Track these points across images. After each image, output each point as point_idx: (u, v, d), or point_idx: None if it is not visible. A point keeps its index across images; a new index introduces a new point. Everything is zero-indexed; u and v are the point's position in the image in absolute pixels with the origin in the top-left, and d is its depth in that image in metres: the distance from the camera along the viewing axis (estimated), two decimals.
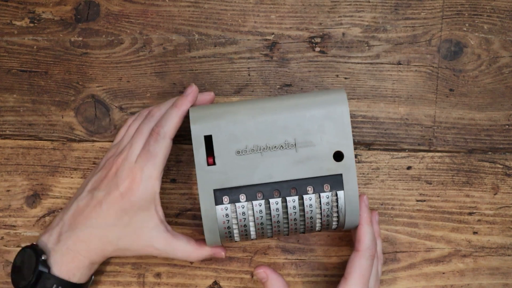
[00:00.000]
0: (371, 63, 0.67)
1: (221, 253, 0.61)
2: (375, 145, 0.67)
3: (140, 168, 0.57)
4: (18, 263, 0.59)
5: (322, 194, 0.57)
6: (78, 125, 0.67)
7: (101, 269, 0.65)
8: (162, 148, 0.58)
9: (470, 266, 0.66)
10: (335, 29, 0.67)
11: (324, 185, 0.57)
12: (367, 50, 0.67)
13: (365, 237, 0.58)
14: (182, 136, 0.67)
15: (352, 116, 0.67)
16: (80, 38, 0.67)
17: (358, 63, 0.67)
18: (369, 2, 0.67)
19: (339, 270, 0.66)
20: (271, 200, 0.57)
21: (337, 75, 0.67)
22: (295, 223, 0.58)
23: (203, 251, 0.61)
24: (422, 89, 0.67)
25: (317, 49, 0.67)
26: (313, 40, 0.67)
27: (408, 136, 0.67)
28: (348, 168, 0.57)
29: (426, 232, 0.66)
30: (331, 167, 0.57)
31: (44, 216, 0.67)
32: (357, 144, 0.67)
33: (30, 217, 0.67)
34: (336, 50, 0.67)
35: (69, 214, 0.59)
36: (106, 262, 0.65)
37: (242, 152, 0.57)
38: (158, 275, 0.66)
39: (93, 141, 0.67)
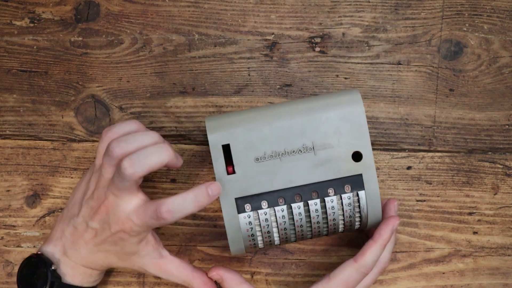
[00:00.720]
0: (371, 63, 0.67)
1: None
2: (375, 145, 0.67)
3: (133, 224, 0.55)
4: (26, 272, 0.59)
5: (343, 196, 0.57)
6: (78, 125, 0.67)
7: None
8: (158, 225, 0.55)
9: (470, 266, 0.66)
10: (335, 29, 0.67)
11: (345, 186, 0.57)
12: (367, 50, 0.67)
13: (369, 255, 0.57)
14: (182, 136, 0.67)
15: None
16: (80, 38, 0.67)
17: (358, 63, 0.67)
18: (369, 2, 0.67)
19: None
20: (293, 205, 0.57)
21: (337, 75, 0.67)
22: (318, 226, 0.58)
23: (196, 279, 0.60)
24: (422, 89, 0.67)
25: (317, 49, 0.67)
26: (313, 40, 0.67)
27: (408, 136, 0.67)
28: (367, 168, 0.57)
29: (426, 232, 0.66)
30: (351, 168, 0.57)
31: (44, 216, 0.67)
32: None
33: (30, 217, 0.67)
34: (336, 50, 0.67)
35: (69, 231, 0.59)
36: None
37: (261, 159, 0.57)
38: None
39: (93, 141, 0.67)
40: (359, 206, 0.58)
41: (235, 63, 0.67)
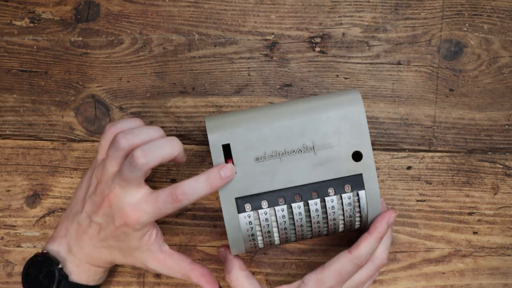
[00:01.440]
0: (371, 63, 0.67)
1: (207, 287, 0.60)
2: (375, 145, 0.67)
3: (142, 213, 0.56)
4: (32, 271, 0.59)
5: (343, 195, 0.57)
6: (78, 125, 0.67)
7: None
8: (172, 209, 0.56)
9: (470, 266, 0.66)
10: (335, 29, 0.67)
11: (345, 186, 0.57)
12: (367, 50, 0.67)
13: (364, 247, 0.57)
14: (182, 136, 0.67)
15: None
16: (80, 38, 0.67)
17: (358, 63, 0.67)
18: (369, 2, 0.67)
19: None
20: (293, 205, 0.57)
21: (337, 75, 0.67)
22: (318, 226, 0.58)
23: (194, 271, 0.60)
24: (422, 89, 0.67)
25: (317, 49, 0.67)
26: (313, 40, 0.67)
27: (408, 136, 0.67)
28: (367, 168, 0.57)
29: (426, 232, 0.66)
30: (351, 168, 0.57)
31: (44, 216, 0.67)
32: None
33: (30, 217, 0.67)
34: (336, 50, 0.67)
35: (73, 228, 0.59)
36: None
37: (261, 159, 0.57)
38: (158, 275, 0.66)
39: (93, 141, 0.67)
40: (359, 206, 0.58)
41: (235, 63, 0.67)
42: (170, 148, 0.56)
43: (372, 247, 0.57)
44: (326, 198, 0.57)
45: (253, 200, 0.57)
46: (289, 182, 0.57)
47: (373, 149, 0.66)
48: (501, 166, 0.67)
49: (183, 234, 0.66)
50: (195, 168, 0.66)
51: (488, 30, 0.67)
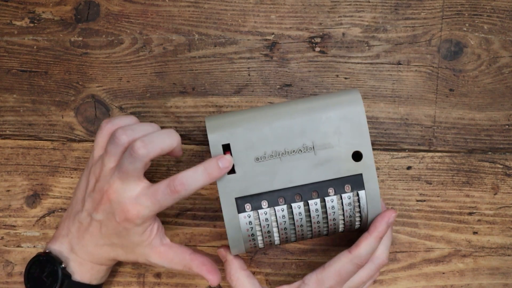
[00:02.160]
0: (371, 63, 0.67)
1: (214, 278, 0.60)
2: (375, 145, 0.67)
3: (142, 207, 0.56)
4: (34, 271, 0.59)
5: (343, 195, 0.57)
6: (78, 125, 0.67)
7: None
8: (171, 201, 0.56)
9: (470, 266, 0.66)
10: (335, 29, 0.67)
11: (345, 186, 0.57)
12: (367, 50, 0.67)
13: (364, 247, 0.57)
14: (182, 136, 0.67)
15: None
16: (80, 38, 0.67)
17: (358, 63, 0.67)
18: (369, 2, 0.67)
19: None
20: (293, 205, 0.57)
21: (337, 75, 0.67)
22: (318, 226, 0.58)
23: (194, 261, 0.60)
24: (422, 89, 0.67)
25: (317, 49, 0.67)
26: (313, 40, 0.67)
27: (408, 136, 0.67)
28: (367, 168, 0.57)
29: (426, 232, 0.66)
30: (351, 168, 0.57)
31: (44, 216, 0.67)
32: None
33: (30, 217, 0.67)
34: (336, 50, 0.67)
35: (75, 227, 0.59)
36: None
37: (261, 159, 0.57)
38: (158, 275, 0.66)
39: (93, 141, 0.67)
40: (359, 206, 0.58)
41: (235, 63, 0.67)
42: (169, 139, 0.56)
43: (372, 247, 0.57)
44: (326, 198, 0.57)
45: (253, 200, 0.57)
46: (289, 182, 0.57)
47: (373, 149, 0.66)
48: (501, 166, 0.67)
49: (183, 234, 0.66)
50: None
51: (488, 30, 0.67)
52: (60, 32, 0.67)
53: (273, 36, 0.67)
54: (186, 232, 0.66)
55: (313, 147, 0.57)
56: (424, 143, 0.67)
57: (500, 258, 0.66)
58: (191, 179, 0.55)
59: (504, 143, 0.67)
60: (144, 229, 0.57)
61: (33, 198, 0.67)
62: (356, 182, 0.57)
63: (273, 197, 0.57)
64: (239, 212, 0.57)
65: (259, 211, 0.57)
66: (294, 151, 0.57)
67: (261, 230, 0.57)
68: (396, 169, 0.67)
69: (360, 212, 0.58)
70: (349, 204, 0.57)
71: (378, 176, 0.66)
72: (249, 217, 0.57)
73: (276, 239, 0.58)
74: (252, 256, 0.66)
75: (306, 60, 0.67)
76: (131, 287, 0.66)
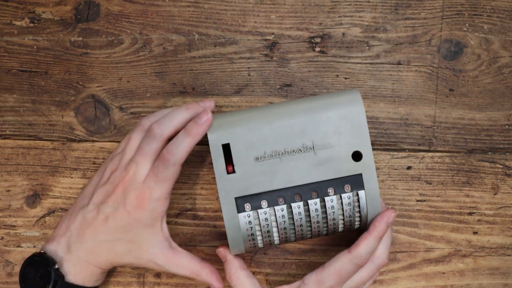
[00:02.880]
0: (371, 63, 0.67)
1: (217, 285, 0.61)
2: (375, 145, 0.67)
3: (149, 189, 0.57)
4: (28, 271, 0.59)
5: (343, 195, 0.57)
6: (78, 125, 0.67)
7: None
8: (172, 174, 0.58)
9: (470, 266, 0.66)
10: (335, 29, 0.67)
11: (345, 186, 0.57)
12: (367, 50, 0.67)
13: (363, 247, 0.57)
14: None
15: None
16: (80, 38, 0.67)
17: (358, 63, 0.67)
18: (369, 2, 0.67)
19: None
20: (293, 205, 0.57)
21: (337, 75, 0.67)
22: (318, 226, 0.58)
23: (205, 269, 0.60)
24: (422, 89, 0.67)
25: (317, 49, 0.67)
26: (313, 40, 0.67)
27: (408, 136, 0.67)
28: (367, 167, 0.57)
29: (426, 232, 0.66)
30: (351, 168, 0.57)
31: (44, 216, 0.67)
32: None
33: (30, 217, 0.67)
34: (336, 50, 0.67)
35: (76, 224, 0.59)
36: None
37: (261, 159, 0.57)
38: (158, 275, 0.66)
39: (93, 141, 0.67)
40: (359, 205, 0.58)
41: (235, 63, 0.67)
42: (180, 115, 0.59)
43: (371, 247, 0.57)
44: (326, 198, 0.57)
45: (253, 199, 0.57)
46: (289, 182, 0.57)
47: (373, 149, 0.66)
48: (501, 166, 0.67)
49: (183, 234, 0.66)
50: (195, 168, 0.66)
51: (488, 30, 0.67)
52: (60, 32, 0.67)
53: (273, 36, 0.67)
54: (186, 232, 0.66)
55: (313, 147, 0.57)
56: (424, 143, 0.67)
57: (500, 258, 0.66)
58: (176, 144, 0.57)
59: (504, 143, 0.67)
60: (154, 220, 0.58)
61: (33, 198, 0.67)
62: (356, 182, 0.57)
63: (273, 197, 0.57)
64: (238, 212, 0.57)
65: (259, 211, 0.57)
66: (294, 151, 0.57)
67: (260, 230, 0.57)
68: (396, 169, 0.67)
69: (359, 212, 0.58)
70: (349, 204, 0.57)
71: (378, 176, 0.66)
72: (249, 217, 0.57)
73: (276, 239, 0.58)
74: (252, 256, 0.66)
75: (306, 60, 0.67)
76: (131, 287, 0.66)
